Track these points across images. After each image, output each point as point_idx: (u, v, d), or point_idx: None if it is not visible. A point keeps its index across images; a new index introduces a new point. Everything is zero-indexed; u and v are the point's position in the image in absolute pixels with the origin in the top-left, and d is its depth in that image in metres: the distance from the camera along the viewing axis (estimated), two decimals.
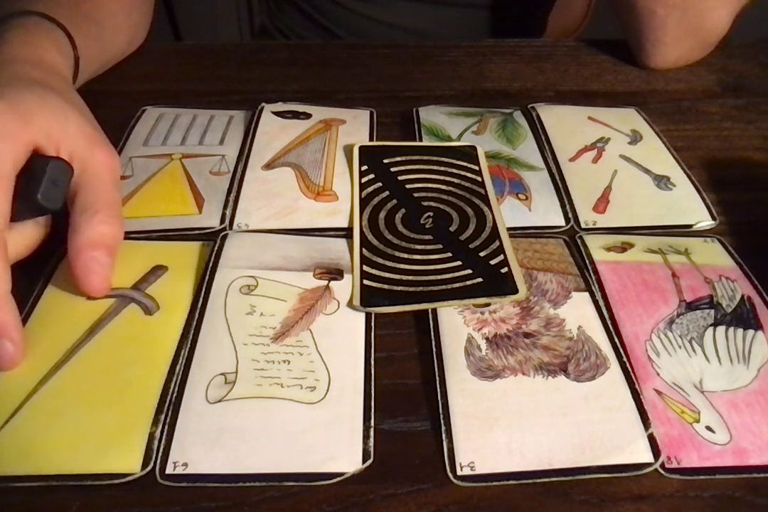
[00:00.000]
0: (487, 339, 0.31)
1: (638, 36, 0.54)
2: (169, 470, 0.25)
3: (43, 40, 0.40)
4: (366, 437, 0.27)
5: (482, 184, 0.40)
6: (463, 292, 0.33)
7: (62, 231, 0.32)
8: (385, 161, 0.41)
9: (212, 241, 0.35)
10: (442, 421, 0.27)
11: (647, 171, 0.42)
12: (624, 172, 0.42)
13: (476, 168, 0.41)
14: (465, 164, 0.41)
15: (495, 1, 0.68)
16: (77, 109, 0.34)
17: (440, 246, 0.35)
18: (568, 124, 0.47)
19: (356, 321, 0.32)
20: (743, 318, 0.32)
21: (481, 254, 0.35)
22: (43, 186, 0.29)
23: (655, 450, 0.26)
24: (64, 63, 0.40)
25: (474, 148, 0.43)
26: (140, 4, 0.53)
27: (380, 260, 0.34)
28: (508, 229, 0.37)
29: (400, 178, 0.40)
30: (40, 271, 0.33)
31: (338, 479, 0.26)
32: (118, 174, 0.35)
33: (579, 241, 0.37)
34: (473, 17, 0.70)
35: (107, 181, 0.33)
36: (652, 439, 0.27)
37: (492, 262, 0.34)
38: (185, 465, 0.26)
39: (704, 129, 0.48)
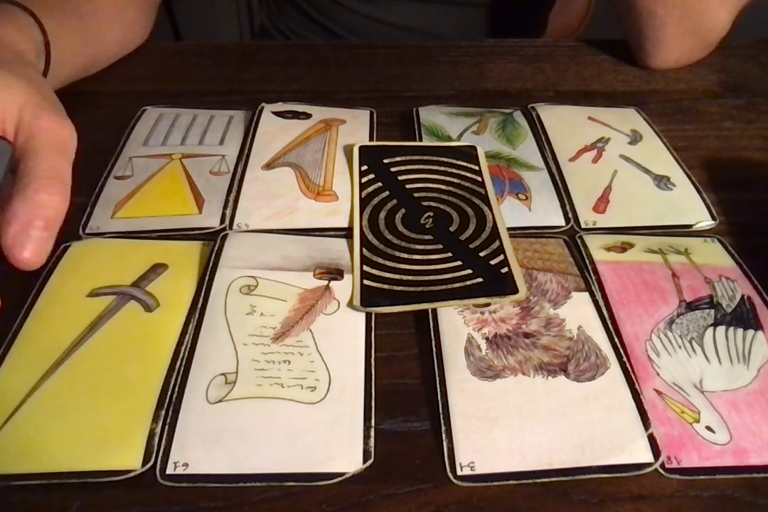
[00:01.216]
0: (487, 339, 0.31)
1: (638, 36, 0.54)
2: (169, 470, 0.25)
3: (1, 19, 0.39)
4: (366, 437, 0.27)
5: (482, 184, 0.40)
6: (463, 292, 0.33)
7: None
8: (385, 161, 0.41)
9: (212, 241, 0.35)
10: (442, 421, 0.27)
11: (647, 171, 0.42)
12: (624, 172, 0.42)
13: (476, 168, 0.41)
14: (465, 164, 0.41)
15: (494, 1, 0.68)
16: (25, 80, 0.33)
17: (440, 246, 0.35)
18: (568, 124, 0.47)
19: (356, 321, 0.32)
20: (743, 318, 0.32)
21: (481, 254, 0.35)
22: None
23: (655, 450, 0.26)
24: (22, 40, 0.39)
25: (474, 148, 0.43)
26: (137, 3, 0.53)
27: (380, 260, 0.34)
28: (508, 229, 0.37)
29: (400, 178, 0.40)
30: (40, 268, 0.33)
31: (338, 479, 0.26)
32: (68, 144, 0.32)
33: (579, 241, 0.37)
34: (474, 16, 0.70)
35: (52, 148, 0.31)
36: (652, 439, 0.27)
37: (492, 262, 0.34)
38: (186, 465, 0.26)
39: (704, 129, 0.48)
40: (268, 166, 0.41)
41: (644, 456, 0.26)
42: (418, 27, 0.70)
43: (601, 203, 0.40)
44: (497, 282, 0.33)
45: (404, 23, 0.70)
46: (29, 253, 0.28)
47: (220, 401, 0.28)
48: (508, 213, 0.38)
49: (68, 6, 0.46)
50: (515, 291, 0.33)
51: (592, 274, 0.35)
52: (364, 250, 0.35)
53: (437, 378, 0.29)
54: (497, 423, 0.27)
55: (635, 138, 0.45)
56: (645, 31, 0.53)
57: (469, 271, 0.34)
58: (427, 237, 0.36)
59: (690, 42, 0.54)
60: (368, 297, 0.32)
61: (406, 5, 0.68)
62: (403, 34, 0.70)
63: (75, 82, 0.48)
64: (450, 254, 0.35)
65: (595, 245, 0.36)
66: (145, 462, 0.26)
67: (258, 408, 0.28)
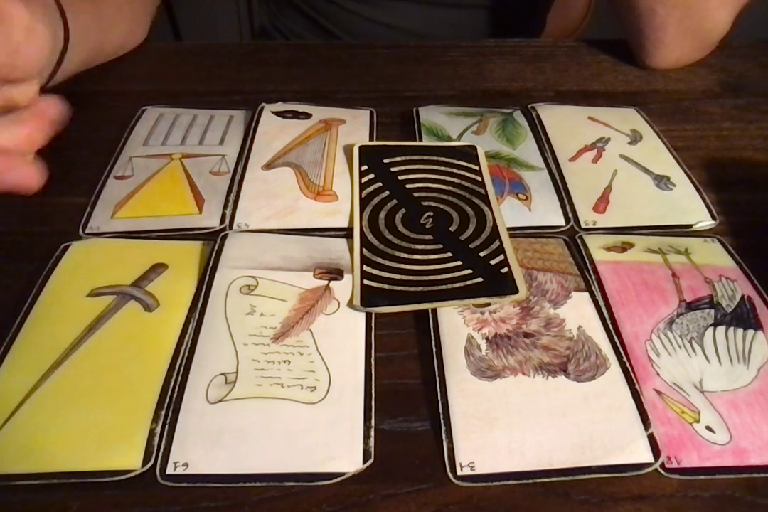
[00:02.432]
0: (487, 339, 0.31)
1: (638, 36, 0.54)
2: (169, 470, 0.25)
3: None
4: (366, 437, 0.27)
5: (482, 184, 0.40)
6: (463, 292, 0.33)
7: None
8: (385, 161, 0.41)
9: (212, 241, 0.35)
10: (442, 421, 0.27)
11: (647, 171, 0.42)
12: (624, 172, 0.42)
13: (476, 168, 0.41)
14: (465, 164, 0.41)
15: (492, 2, 0.68)
16: None
17: (440, 246, 0.35)
18: (568, 124, 0.47)
19: (356, 321, 0.32)
20: (743, 318, 0.32)
21: (481, 254, 0.35)
22: None
23: (655, 450, 0.27)
24: None
25: (474, 147, 0.43)
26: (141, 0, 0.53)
27: (380, 260, 0.34)
28: (508, 229, 0.37)
29: (400, 177, 0.40)
30: (40, 268, 0.33)
31: (338, 479, 0.26)
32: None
33: (579, 241, 0.37)
34: (470, 18, 0.70)
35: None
36: (652, 439, 0.27)
37: (492, 262, 0.34)
38: (186, 465, 0.26)
39: (704, 129, 0.48)
40: (268, 166, 0.41)
41: (644, 456, 0.26)
42: (416, 29, 0.70)
43: (601, 203, 0.40)
44: (497, 282, 0.33)
45: (402, 25, 0.70)
46: None
47: (220, 401, 0.28)
48: (508, 213, 0.38)
49: None
50: (515, 291, 0.33)
51: (592, 274, 0.35)
52: (364, 249, 0.35)
53: (437, 378, 0.29)
54: (497, 423, 0.27)
55: (635, 138, 0.45)
56: (645, 31, 0.53)
57: (469, 271, 0.34)
58: (427, 237, 0.36)
59: (690, 42, 0.54)
60: (368, 297, 0.32)
61: (403, 7, 0.68)
62: (402, 36, 0.70)
63: (75, 81, 0.48)
64: (450, 254, 0.35)
65: (595, 245, 0.36)
66: (145, 462, 0.26)
67: (258, 408, 0.28)
